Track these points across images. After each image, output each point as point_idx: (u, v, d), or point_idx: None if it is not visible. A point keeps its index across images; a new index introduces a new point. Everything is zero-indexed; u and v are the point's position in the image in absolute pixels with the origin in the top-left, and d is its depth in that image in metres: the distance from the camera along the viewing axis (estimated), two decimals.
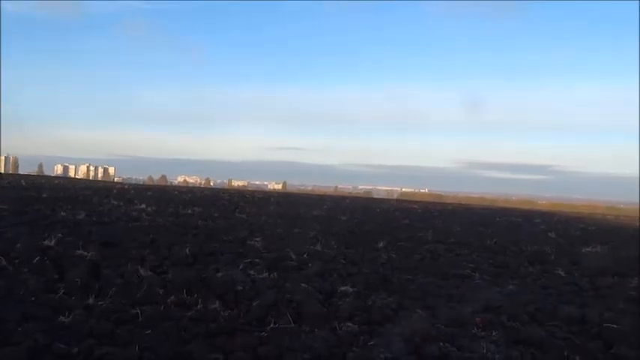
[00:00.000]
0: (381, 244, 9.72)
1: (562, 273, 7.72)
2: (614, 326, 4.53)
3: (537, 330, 4.43)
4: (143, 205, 15.13)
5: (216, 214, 14.28)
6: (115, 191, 24.54)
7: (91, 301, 4.45)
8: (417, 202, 52.47)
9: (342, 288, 5.68)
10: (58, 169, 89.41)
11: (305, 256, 7.81)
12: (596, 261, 8.84)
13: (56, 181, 33.08)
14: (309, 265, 7.17)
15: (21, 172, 67.79)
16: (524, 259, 9.20)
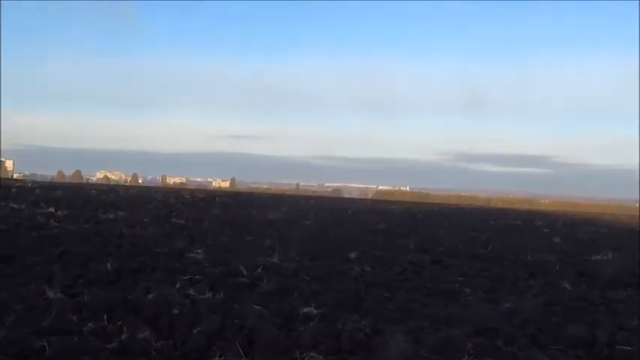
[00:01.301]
0: (352, 255, 9.82)
1: (568, 286, 7.96)
2: (628, 348, 4.62)
3: (539, 355, 4.52)
4: (51, 209, 14.95)
5: (146, 220, 14.24)
6: (13, 190, 23.81)
7: None
8: (396, 202, 53.50)
9: (305, 309, 5.70)
10: None
11: (259, 270, 7.81)
12: (607, 271, 9.10)
13: None
14: (264, 281, 7.17)
15: None
16: (524, 269, 9.47)
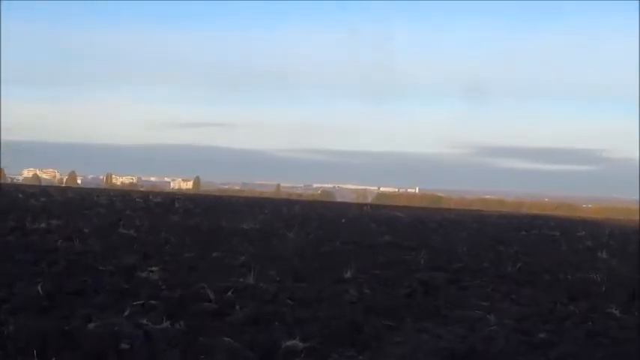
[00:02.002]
0: (347, 274, 9.85)
1: (617, 312, 8.05)
2: None
3: None
4: None
5: (86, 230, 14.22)
6: None
7: None
8: (402, 207, 53.54)
9: (288, 343, 5.71)
10: None
11: (229, 294, 7.83)
12: None
13: None
14: (237, 308, 7.18)
15: None
16: (563, 292, 9.55)
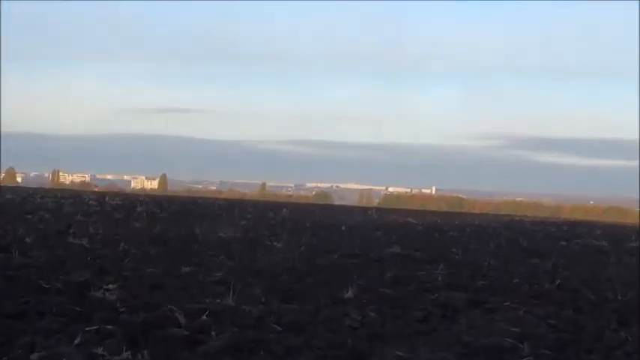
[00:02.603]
0: (348, 293, 9.86)
1: None
2: None
3: None
4: None
5: (28, 239, 14.20)
6: None
7: None
8: (415, 212, 53.45)
9: None
10: None
11: (204, 317, 7.82)
12: None
13: None
14: (212, 334, 7.18)
15: None
16: (612, 315, 9.56)
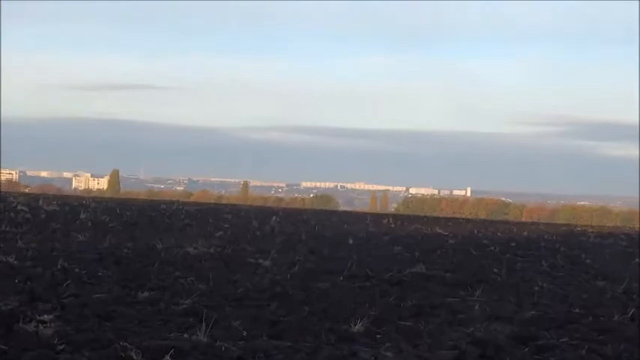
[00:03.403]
0: (357, 327, 9.84)
1: None
2: None
3: None
4: None
5: None
6: None
7: None
8: (444, 220, 53.02)
9: None
10: None
11: (167, 358, 7.80)
12: None
13: None
14: None
15: None
16: None
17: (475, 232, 35.41)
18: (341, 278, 14.77)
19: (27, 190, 68.35)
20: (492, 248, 24.87)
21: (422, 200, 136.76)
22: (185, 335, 8.87)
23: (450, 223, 45.56)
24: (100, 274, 13.56)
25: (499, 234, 34.14)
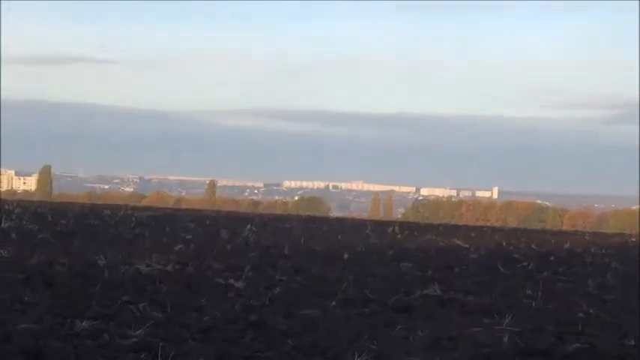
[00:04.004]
0: None
1: None
2: None
3: None
4: None
5: None
6: None
7: None
8: (465, 229, 52.86)
9: None
10: None
11: None
12: None
13: None
14: None
15: None
16: None
17: (504, 244, 35.41)
18: (333, 303, 14.78)
19: None
20: (525, 264, 24.91)
21: (436, 204, 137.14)
22: None
23: (473, 233, 45.58)
24: (26, 298, 13.53)
25: (534, 246, 34.15)
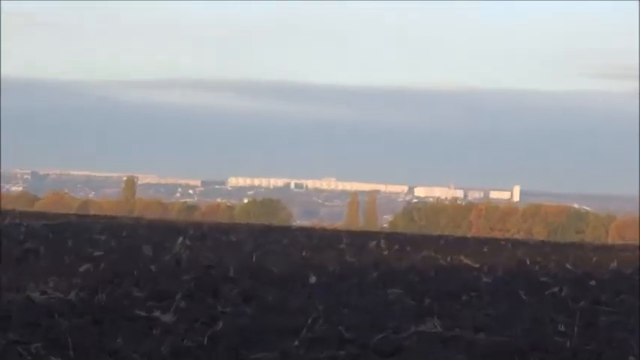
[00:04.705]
0: None
1: None
2: None
3: None
4: None
5: None
6: None
7: None
8: (475, 242, 53.01)
9: None
10: None
11: None
12: None
13: None
14: None
15: None
16: None
17: (527, 262, 35.62)
18: (296, 344, 14.87)
19: None
20: (556, 290, 25.09)
21: (436, 208, 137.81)
22: None
23: (485, 248, 45.81)
24: None
25: (568, 266, 34.41)
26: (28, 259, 26.47)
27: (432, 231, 69.57)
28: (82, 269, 23.92)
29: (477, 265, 31.88)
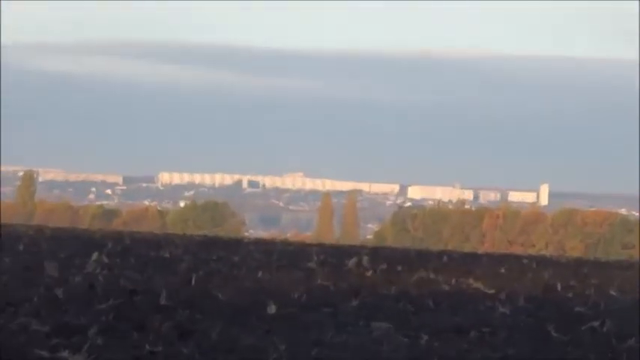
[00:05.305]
0: None
1: None
2: None
3: None
4: None
5: None
6: None
7: None
8: (489, 259, 53.21)
9: None
10: None
11: None
12: None
13: None
14: None
15: None
16: None
17: (558, 287, 35.79)
18: None
19: None
20: (597, 325, 25.20)
21: (437, 214, 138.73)
22: None
23: (503, 268, 45.99)
24: None
25: (612, 292, 34.56)
26: None
27: (431, 244, 70.00)
28: None
29: (492, 292, 32.06)
